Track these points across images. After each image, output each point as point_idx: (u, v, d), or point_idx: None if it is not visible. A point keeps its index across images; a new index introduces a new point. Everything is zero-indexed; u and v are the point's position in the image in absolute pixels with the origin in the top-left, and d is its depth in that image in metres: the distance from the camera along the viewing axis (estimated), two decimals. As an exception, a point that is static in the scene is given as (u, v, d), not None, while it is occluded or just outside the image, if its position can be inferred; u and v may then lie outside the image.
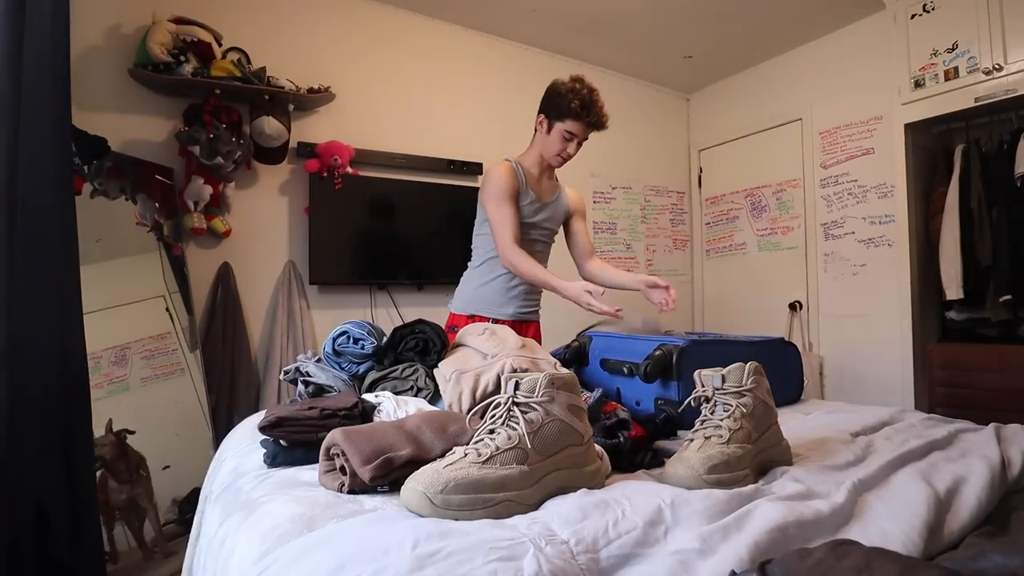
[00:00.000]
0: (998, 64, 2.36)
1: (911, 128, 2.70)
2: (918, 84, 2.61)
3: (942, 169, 2.74)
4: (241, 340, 2.43)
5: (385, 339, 1.33)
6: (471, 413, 1.00)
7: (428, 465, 0.73)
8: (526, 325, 1.84)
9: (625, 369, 1.29)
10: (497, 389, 1.20)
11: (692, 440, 0.86)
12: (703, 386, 0.93)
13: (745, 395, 0.89)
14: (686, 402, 0.97)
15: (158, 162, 2.24)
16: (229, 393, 2.34)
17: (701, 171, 4.13)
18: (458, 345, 1.40)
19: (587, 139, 1.77)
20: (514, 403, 0.76)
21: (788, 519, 0.64)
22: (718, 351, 1.32)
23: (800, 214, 3.45)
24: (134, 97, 2.27)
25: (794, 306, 3.45)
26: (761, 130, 3.69)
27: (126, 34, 2.25)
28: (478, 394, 1.16)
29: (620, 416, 0.99)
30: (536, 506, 0.71)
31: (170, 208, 2.26)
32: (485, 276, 1.81)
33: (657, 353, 1.22)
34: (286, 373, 1.30)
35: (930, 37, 2.57)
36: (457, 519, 0.65)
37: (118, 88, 2.23)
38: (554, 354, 1.47)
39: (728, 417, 0.86)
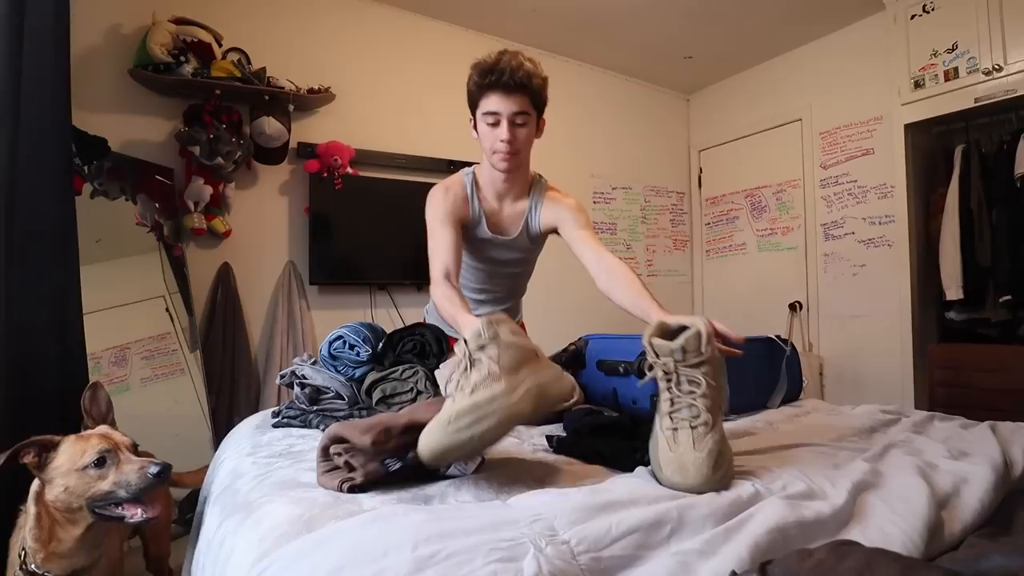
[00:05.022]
0: (998, 64, 2.36)
1: (911, 128, 2.70)
2: (918, 84, 2.61)
3: (942, 170, 2.74)
4: (241, 340, 2.43)
5: (381, 344, 1.32)
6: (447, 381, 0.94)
7: (431, 420, 0.77)
8: None
9: (621, 368, 1.29)
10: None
11: (676, 431, 0.80)
12: (657, 356, 0.84)
13: (705, 363, 0.82)
14: (638, 365, 0.91)
15: (158, 162, 2.24)
16: (229, 393, 2.34)
17: (701, 171, 4.13)
18: (459, 346, 1.40)
19: (530, 115, 1.30)
20: (470, 354, 0.82)
21: (789, 520, 0.64)
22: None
23: (800, 214, 3.45)
24: (134, 97, 2.27)
25: (794, 306, 3.45)
26: (761, 130, 3.69)
27: (126, 34, 2.25)
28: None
29: (596, 411, 1.01)
30: (533, 415, 0.79)
31: (170, 208, 2.25)
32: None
33: None
34: (282, 377, 1.31)
35: (930, 37, 2.57)
36: (471, 438, 0.74)
37: (118, 88, 2.23)
38: (552, 358, 1.47)
39: (702, 396, 0.80)
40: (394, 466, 0.81)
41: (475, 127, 1.36)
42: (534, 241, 1.48)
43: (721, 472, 0.77)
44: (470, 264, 1.50)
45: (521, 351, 0.83)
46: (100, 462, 0.94)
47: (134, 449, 1.00)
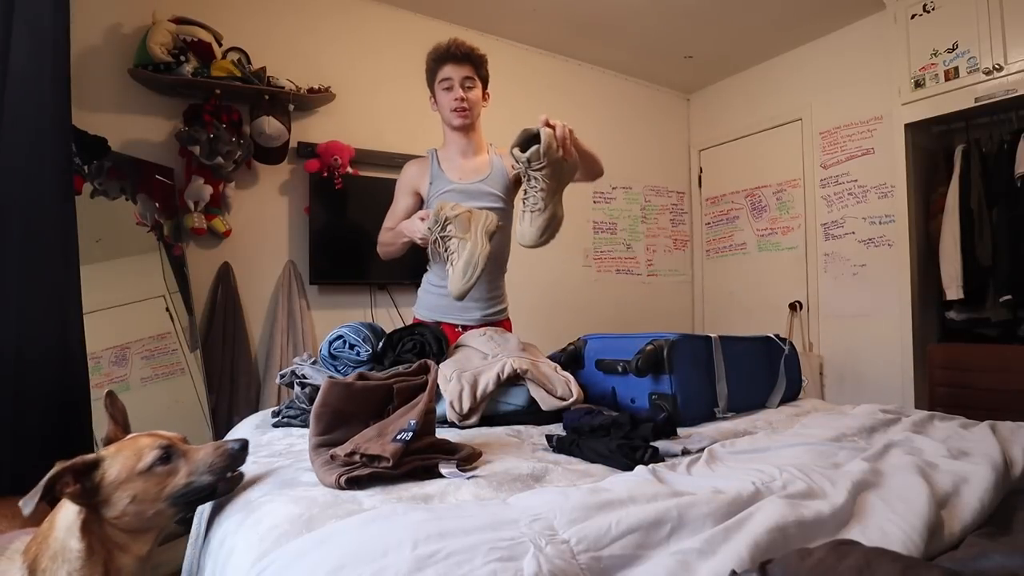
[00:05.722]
0: (998, 64, 2.36)
1: (911, 128, 2.70)
2: (918, 84, 2.61)
3: (942, 169, 2.74)
4: (241, 340, 2.43)
5: (381, 344, 1.33)
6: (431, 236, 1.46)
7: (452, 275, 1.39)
8: (496, 325, 1.70)
9: (619, 367, 1.30)
10: (496, 389, 1.20)
11: (525, 212, 1.35)
12: (517, 163, 1.30)
13: (545, 167, 1.27)
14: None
15: (158, 162, 2.24)
16: (229, 393, 2.34)
17: (701, 171, 4.13)
18: (459, 346, 1.41)
19: (475, 80, 1.67)
20: (440, 237, 1.40)
21: (788, 519, 0.63)
22: (708, 346, 1.34)
23: (800, 214, 3.45)
24: (134, 97, 2.27)
25: (794, 306, 3.45)
26: (761, 130, 3.69)
27: (126, 34, 2.25)
28: (478, 393, 1.16)
29: (596, 410, 1.02)
30: (490, 245, 1.38)
31: (170, 208, 2.26)
32: (441, 279, 1.65)
33: (648, 348, 1.23)
34: (282, 377, 1.31)
35: (930, 37, 2.57)
36: (475, 277, 1.34)
37: (118, 88, 2.23)
38: (551, 358, 1.48)
39: (540, 191, 1.30)
40: (408, 435, 0.82)
41: (433, 101, 1.73)
42: (503, 188, 1.73)
43: (544, 237, 1.35)
44: None
45: (463, 217, 1.39)
46: (165, 458, 0.83)
47: (185, 442, 0.92)
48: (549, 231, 1.35)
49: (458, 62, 1.64)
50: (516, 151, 1.31)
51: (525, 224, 1.35)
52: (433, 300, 1.73)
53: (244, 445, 0.88)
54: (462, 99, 1.64)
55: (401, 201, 1.75)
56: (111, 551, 0.80)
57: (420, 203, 1.73)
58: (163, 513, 0.83)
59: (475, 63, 1.66)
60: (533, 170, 1.28)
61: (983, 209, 2.53)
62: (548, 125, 1.31)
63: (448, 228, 1.38)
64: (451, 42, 1.65)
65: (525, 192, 1.35)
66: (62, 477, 0.76)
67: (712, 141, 4.04)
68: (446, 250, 1.38)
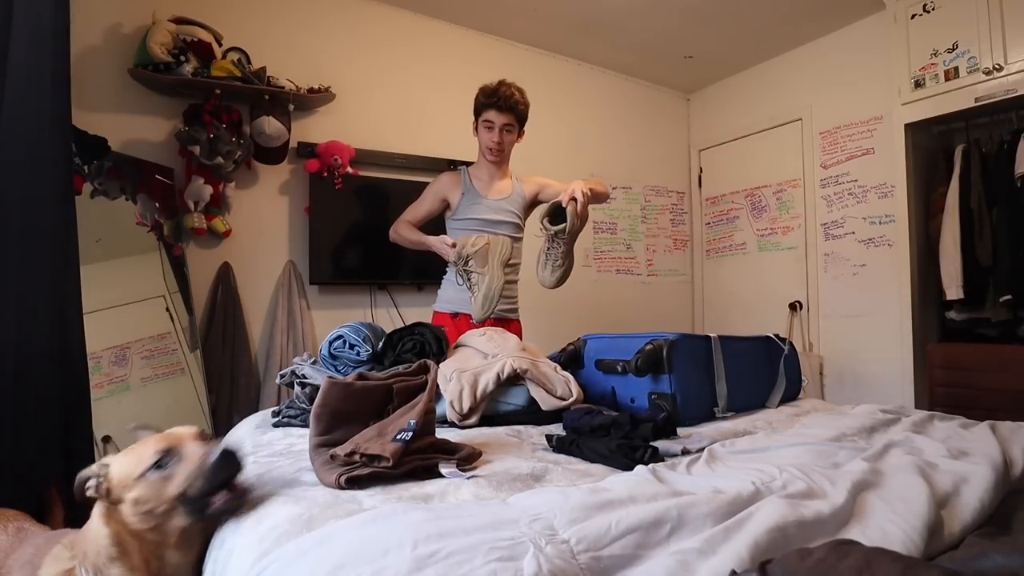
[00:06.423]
0: (998, 64, 2.36)
1: (911, 128, 2.70)
2: (918, 84, 2.61)
3: (942, 169, 2.74)
4: (241, 340, 2.43)
5: (381, 344, 1.33)
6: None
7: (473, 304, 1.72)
8: (506, 324, 1.87)
9: (619, 367, 1.30)
10: (496, 388, 1.20)
11: (547, 264, 1.70)
12: (547, 229, 1.65)
13: (566, 235, 1.63)
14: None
15: (158, 162, 2.24)
16: (229, 393, 2.34)
17: (701, 171, 4.13)
18: (460, 345, 1.41)
19: (513, 127, 1.91)
20: (464, 270, 1.72)
21: (788, 519, 0.63)
22: (707, 345, 1.34)
23: (800, 214, 3.45)
24: (134, 97, 2.27)
25: (794, 306, 3.45)
26: (761, 130, 3.68)
27: (126, 34, 2.25)
28: (478, 393, 1.16)
29: (595, 410, 1.02)
30: (503, 276, 1.72)
31: (170, 208, 2.26)
32: (460, 277, 1.84)
33: (648, 347, 1.24)
34: (282, 377, 1.31)
35: (930, 37, 2.57)
36: (493, 306, 1.67)
37: (118, 88, 2.23)
38: (551, 358, 1.48)
39: (561, 252, 1.67)
40: (408, 435, 0.83)
41: (476, 129, 1.96)
42: (520, 207, 2.00)
43: (562, 283, 1.73)
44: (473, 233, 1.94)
45: (481, 251, 1.70)
46: (160, 464, 0.79)
47: (203, 437, 0.84)
48: (565, 278, 1.72)
49: (501, 110, 1.86)
50: (546, 221, 1.64)
51: (546, 273, 1.70)
52: (451, 292, 1.94)
53: (225, 455, 0.79)
54: (498, 142, 1.90)
55: (427, 202, 2.01)
56: (154, 545, 0.79)
57: (443, 209, 2.00)
58: (176, 514, 0.78)
59: (517, 113, 1.89)
60: (559, 238, 1.64)
61: (983, 209, 2.53)
62: (572, 198, 1.59)
63: (470, 263, 1.68)
64: (501, 89, 1.86)
65: (548, 250, 1.69)
66: (85, 484, 0.80)
67: (712, 141, 4.04)
68: (468, 280, 1.70)
